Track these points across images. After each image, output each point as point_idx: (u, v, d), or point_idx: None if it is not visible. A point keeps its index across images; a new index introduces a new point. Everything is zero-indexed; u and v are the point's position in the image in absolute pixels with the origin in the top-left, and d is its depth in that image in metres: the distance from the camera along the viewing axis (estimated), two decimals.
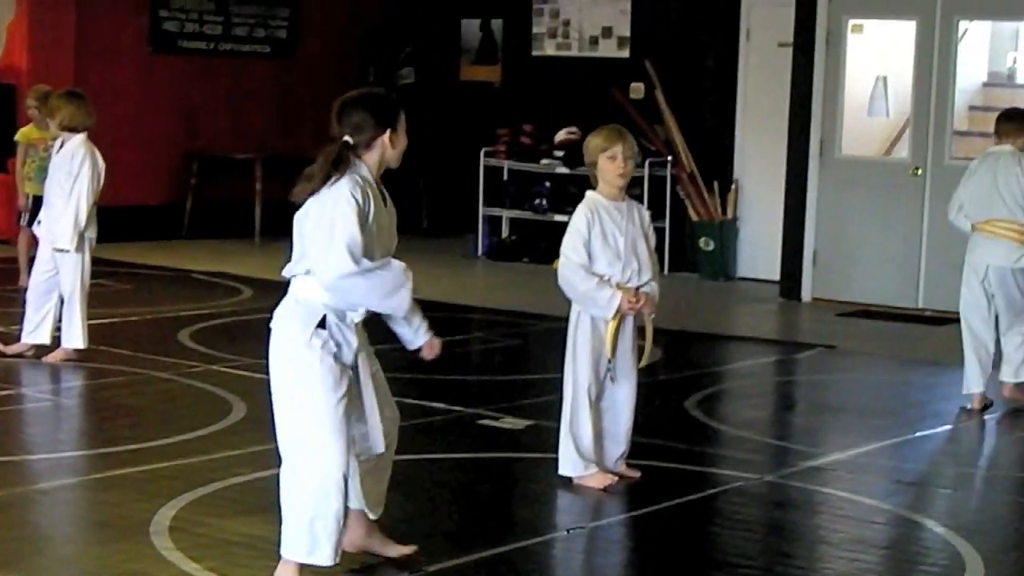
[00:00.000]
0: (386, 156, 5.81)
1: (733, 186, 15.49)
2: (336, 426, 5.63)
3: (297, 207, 5.70)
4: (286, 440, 5.69)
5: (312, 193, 5.65)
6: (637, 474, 7.66)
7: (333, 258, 5.55)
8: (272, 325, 5.74)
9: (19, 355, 10.17)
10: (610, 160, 7.37)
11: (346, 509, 5.74)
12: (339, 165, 5.68)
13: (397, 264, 5.69)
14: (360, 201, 5.59)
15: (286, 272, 5.76)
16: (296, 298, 5.70)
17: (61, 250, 9.97)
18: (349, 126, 5.76)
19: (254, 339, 10.14)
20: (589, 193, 7.48)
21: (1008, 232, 9.31)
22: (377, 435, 5.89)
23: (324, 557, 5.68)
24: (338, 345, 5.71)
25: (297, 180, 5.72)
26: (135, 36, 16.89)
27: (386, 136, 5.78)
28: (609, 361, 7.40)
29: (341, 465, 5.64)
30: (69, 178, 9.97)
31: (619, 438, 7.61)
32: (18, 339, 10.27)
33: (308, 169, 5.72)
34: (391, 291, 5.69)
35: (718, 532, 7.04)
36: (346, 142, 5.75)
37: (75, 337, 10.07)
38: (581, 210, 7.39)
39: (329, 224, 5.57)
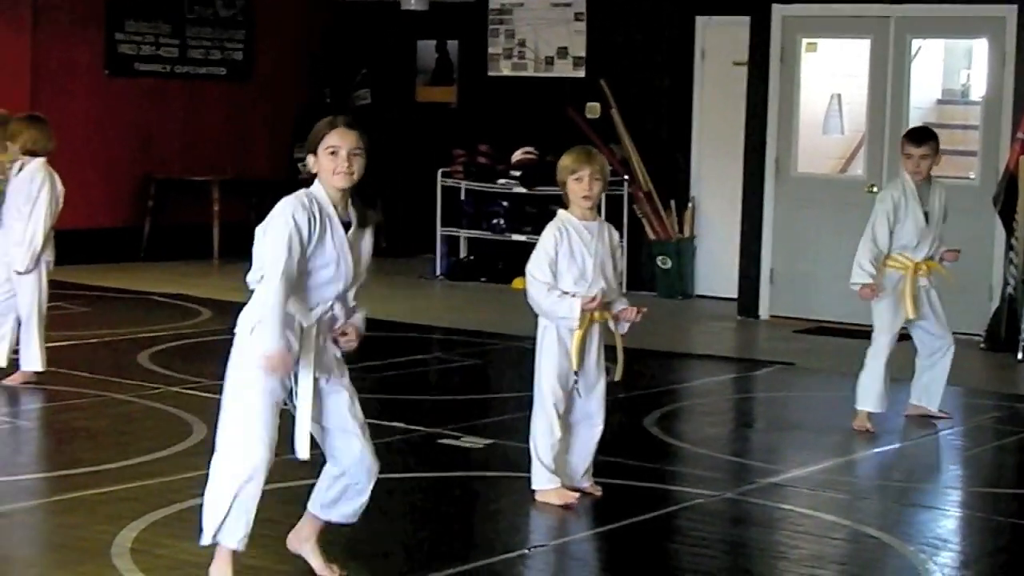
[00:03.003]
0: (322, 179, 5.92)
1: (690, 204, 15.56)
2: (261, 415, 5.84)
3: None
4: (221, 426, 5.93)
5: None
6: (599, 491, 7.70)
7: (255, 266, 5.84)
8: None
9: None
10: (576, 181, 7.43)
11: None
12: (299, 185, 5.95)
13: (276, 304, 5.70)
14: (296, 220, 5.75)
15: (248, 279, 5.93)
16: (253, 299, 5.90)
17: (19, 273, 9.96)
18: None
19: (213, 360, 10.12)
20: (560, 212, 7.51)
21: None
22: (300, 444, 5.98)
23: (233, 539, 5.90)
24: None
25: None
26: (90, 59, 16.87)
27: (310, 160, 5.95)
28: (576, 374, 7.43)
29: (263, 453, 5.86)
30: (28, 201, 9.95)
31: (586, 453, 7.65)
32: None
33: None
34: (263, 319, 5.73)
35: (678, 549, 7.07)
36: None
37: (33, 359, 10.04)
38: (551, 228, 7.44)
39: (262, 233, 5.84)
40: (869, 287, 9.33)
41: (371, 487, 6.14)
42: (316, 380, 5.95)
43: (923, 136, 9.55)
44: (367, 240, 6.10)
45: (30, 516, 7.30)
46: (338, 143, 5.87)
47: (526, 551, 6.90)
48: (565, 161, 7.49)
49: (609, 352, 7.67)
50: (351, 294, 6.07)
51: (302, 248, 5.76)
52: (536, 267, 7.39)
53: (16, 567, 6.55)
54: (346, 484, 6.14)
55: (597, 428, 7.63)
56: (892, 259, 9.43)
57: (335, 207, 5.91)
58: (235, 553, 5.97)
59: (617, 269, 7.56)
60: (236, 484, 5.86)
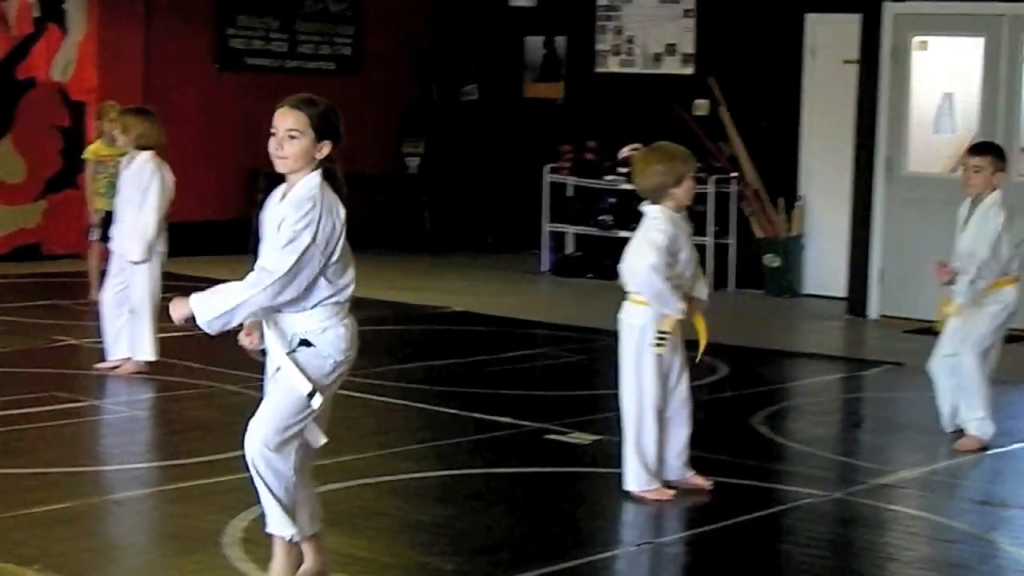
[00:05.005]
0: None
1: (798, 203, 15.46)
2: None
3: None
4: None
5: None
6: (710, 483, 7.71)
7: None
8: None
9: (111, 369, 10.27)
10: (692, 179, 7.55)
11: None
12: None
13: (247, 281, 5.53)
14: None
15: None
16: None
17: (134, 262, 10.08)
18: None
19: None
20: (660, 207, 7.50)
21: None
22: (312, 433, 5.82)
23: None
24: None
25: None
26: (202, 53, 17.04)
27: None
28: (702, 353, 7.60)
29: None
30: (139, 192, 10.09)
31: (682, 447, 7.68)
32: (104, 355, 10.39)
33: None
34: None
35: (787, 549, 7.02)
36: None
37: (145, 350, 10.16)
38: (662, 221, 7.45)
39: None
40: (945, 270, 9.07)
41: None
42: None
43: (981, 148, 9.39)
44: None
45: (142, 505, 7.39)
46: (274, 124, 5.66)
47: (633, 547, 6.90)
48: (683, 159, 7.51)
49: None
50: None
51: None
52: (657, 258, 7.37)
53: (128, 555, 6.64)
54: None
55: (690, 420, 7.68)
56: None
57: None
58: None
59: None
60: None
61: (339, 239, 5.59)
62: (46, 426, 8.81)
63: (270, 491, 5.67)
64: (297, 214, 5.53)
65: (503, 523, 7.21)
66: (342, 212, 5.63)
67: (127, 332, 10.24)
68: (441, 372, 10.87)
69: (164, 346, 10.28)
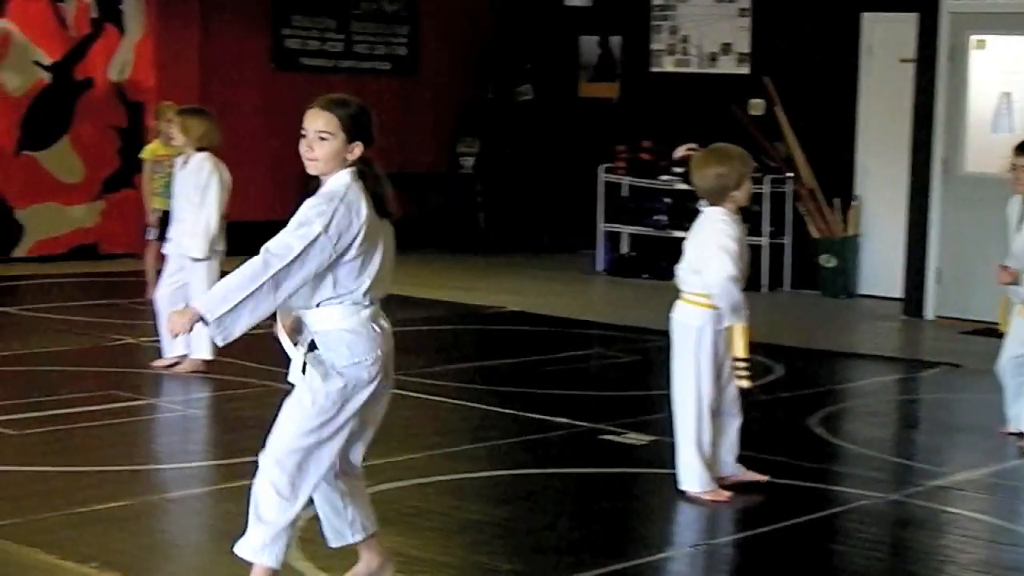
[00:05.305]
0: None
1: (854, 202, 15.40)
2: None
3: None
4: None
5: None
6: (765, 477, 7.73)
7: None
8: None
9: (168, 367, 10.34)
10: (750, 180, 7.57)
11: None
12: None
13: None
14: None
15: None
16: None
17: (195, 259, 10.13)
18: None
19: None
20: (723, 208, 7.48)
21: None
22: None
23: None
24: None
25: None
26: (258, 54, 17.11)
27: None
28: (747, 360, 7.51)
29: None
30: (198, 191, 10.15)
31: (733, 444, 7.70)
32: (161, 354, 10.46)
33: None
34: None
35: (842, 551, 6.99)
36: None
37: (203, 348, 10.21)
38: (728, 224, 7.43)
39: None
40: (1009, 272, 9.01)
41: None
42: None
43: None
44: None
45: (199, 503, 7.43)
46: (304, 125, 5.58)
47: (688, 548, 6.88)
48: (743, 160, 7.50)
49: None
50: None
51: None
52: (735, 268, 7.35)
53: (185, 553, 6.68)
54: None
55: (739, 418, 7.68)
56: None
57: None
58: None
59: None
60: None
61: (356, 237, 5.39)
62: (104, 424, 8.87)
63: (259, 509, 5.53)
64: (315, 202, 5.44)
65: (558, 523, 7.20)
66: (364, 211, 5.42)
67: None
68: (496, 372, 10.87)
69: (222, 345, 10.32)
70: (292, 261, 5.33)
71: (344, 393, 5.46)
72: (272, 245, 5.39)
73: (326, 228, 5.35)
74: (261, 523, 5.55)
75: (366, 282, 5.44)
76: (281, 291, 5.36)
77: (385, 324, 5.54)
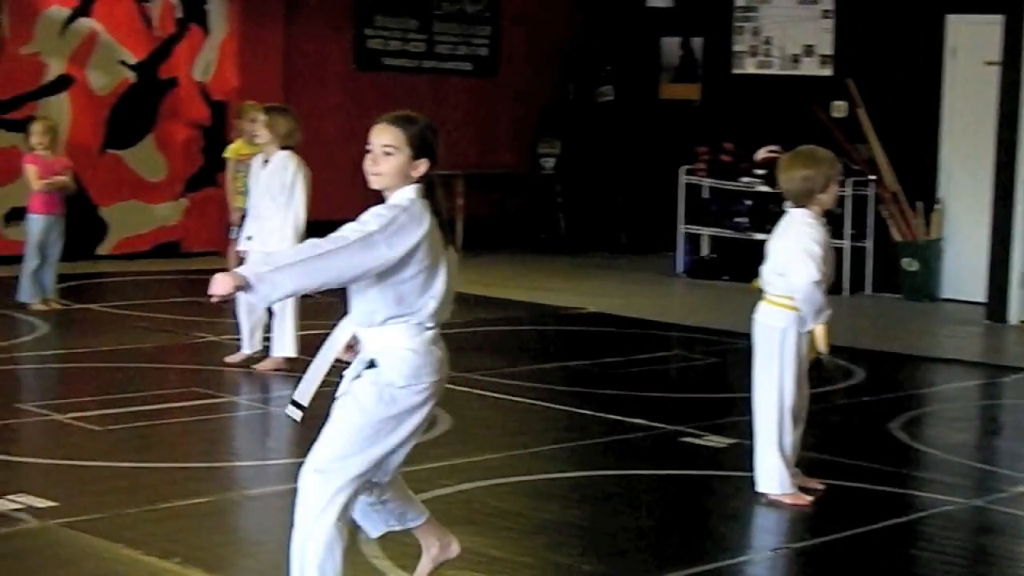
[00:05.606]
0: None
1: (937, 206, 15.28)
2: None
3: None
4: None
5: None
6: (822, 485, 7.69)
7: None
8: None
9: (240, 364, 10.41)
10: (837, 183, 7.56)
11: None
12: None
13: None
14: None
15: None
16: None
17: None
18: None
19: (466, 353, 10.28)
20: (808, 211, 7.44)
21: None
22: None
23: None
24: None
25: None
26: (340, 54, 17.19)
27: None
28: (829, 355, 7.52)
29: None
30: (283, 190, 10.20)
31: (797, 448, 7.66)
32: (238, 349, 10.54)
33: None
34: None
35: (922, 557, 6.93)
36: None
37: (286, 346, 10.26)
38: (816, 227, 7.40)
39: None
40: None
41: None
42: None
43: None
44: None
45: (280, 500, 7.44)
46: (370, 140, 5.55)
47: (768, 552, 6.86)
48: (830, 163, 7.48)
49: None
50: None
51: None
52: (819, 272, 7.32)
53: (265, 550, 6.71)
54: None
55: (803, 424, 7.65)
56: None
57: None
58: None
59: None
60: None
61: (418, 247, 5.29)
62: (186, 421, 8.94)
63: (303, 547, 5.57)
64: (377, 208, 5.37)
65: (638, 525, 7.20)
66: (427, 224, 5.33)
67: (269, 327, 10.36)
68: (576, 373, 10.87)
69: (304, 343, 10.37)
70: (343, 247, 5.23)
71: (398, 417, 5.44)
72: (337, 232, 5.32)
73: (383, 228, 5.28)
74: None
75: (431, 303, 5.37)
76: (328, 272, 5.22)
77: (444, 352, 5.50)
